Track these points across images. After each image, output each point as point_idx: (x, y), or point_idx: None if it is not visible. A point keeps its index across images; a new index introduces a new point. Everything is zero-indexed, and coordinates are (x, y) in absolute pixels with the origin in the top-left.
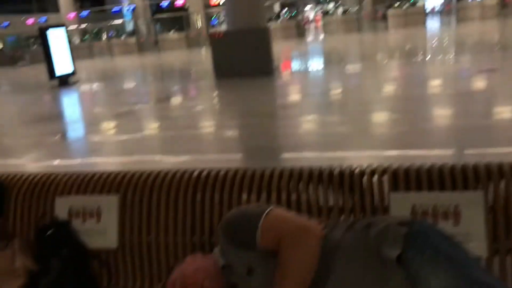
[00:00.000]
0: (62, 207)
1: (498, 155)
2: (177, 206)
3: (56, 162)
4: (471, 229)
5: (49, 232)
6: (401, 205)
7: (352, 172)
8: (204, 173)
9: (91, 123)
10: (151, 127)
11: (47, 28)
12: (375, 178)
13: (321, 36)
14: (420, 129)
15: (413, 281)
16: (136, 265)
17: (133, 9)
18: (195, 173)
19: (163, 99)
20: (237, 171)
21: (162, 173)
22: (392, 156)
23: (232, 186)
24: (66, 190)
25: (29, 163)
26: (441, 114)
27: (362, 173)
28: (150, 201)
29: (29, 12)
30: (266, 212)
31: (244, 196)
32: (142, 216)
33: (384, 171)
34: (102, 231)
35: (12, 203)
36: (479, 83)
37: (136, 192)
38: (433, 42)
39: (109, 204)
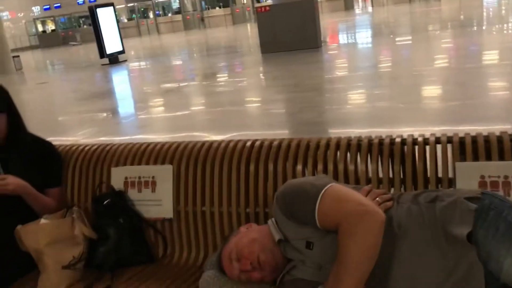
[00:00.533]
0: (117, 177)
1: None
2: (231, 176)
3: (108, 138)
4: None
5: (105, 202)
6: (468, 176)
7: (414, 141)
8: (258, 143)
9: (141, 100)
10: (198, 104)
11: (96, 7)
12: (440, 148)
13: (370, 8)
14: (476, 103)
15: (485, 261)
16: (192, 235)
17: None
18: (248, 144)
19: (210, 75)
20: (291, 141)
21: (215, 143)
22: (448, 131)
23: (286, 156)
24: (121, 161)
25: (83, 139)
26: (498, 87)
27: (425, 142)
28: (204, 172)
29: None
30: (323, 192)
31: (299, 167)
32: (197, 186)
33: (449, 140)
34: (157, 201)
35: (70, 174)
36: None
37: (190, 162)
38: (490, 11)
39: (164, 174)
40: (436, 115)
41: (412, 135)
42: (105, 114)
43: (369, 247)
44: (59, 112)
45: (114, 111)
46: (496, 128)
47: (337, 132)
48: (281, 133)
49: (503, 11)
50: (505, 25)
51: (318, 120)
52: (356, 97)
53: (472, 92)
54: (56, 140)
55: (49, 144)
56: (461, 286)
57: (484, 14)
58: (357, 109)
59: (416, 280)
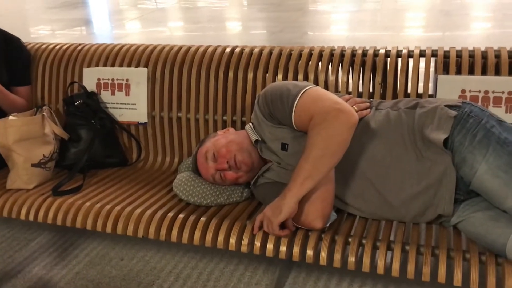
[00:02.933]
0: (90, 78)
1: None
2: (209, 82)
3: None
4: None
5: (77, 102)
6: (449, 89)
7: (398, 53)
8: (238, 50)
9: (115, 12)
10: (177, 19)
11: None
12: (424, 61)
13: None
14: (458, 34)
15: (459, 167)
16: (166, 140)
17: None
18: (228, 50)
19: None
20: (273, 48)
21: (193, 48)
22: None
23: (267, 65)
24: (94, 61)
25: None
26: (483, 17)
27: (409, 55)
28: (181, 76)
29: None
30: (303, 91)
31: (279, 77)
32: (173, 91)
33: (433, 53)
34: (131, 104)
35: (40, 72)
36: None
37: (167, 66)
38: None
39: (139, 77)
40: (418, 42)
41: (397, 47)
42: (77, 25)
43: (334, 143)
44: (27, 20)
45: (87, 22)
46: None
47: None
48: None
49: None
50: None
51: (299, 41)
52: (340, 20)
53: (456, 21)
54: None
55: (16, 39)
56: (432, 189)
57: None
58: (339, 32)
59: (390, 180)
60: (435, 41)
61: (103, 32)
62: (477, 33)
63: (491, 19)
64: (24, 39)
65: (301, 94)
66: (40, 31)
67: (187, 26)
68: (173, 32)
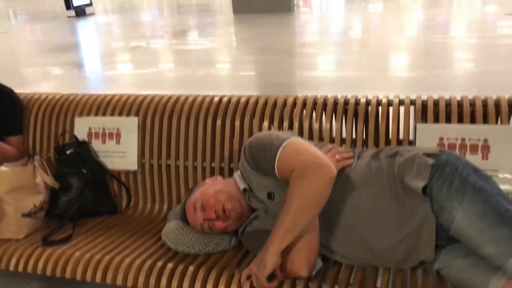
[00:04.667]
0: (81, 127)
1: None
2: (197, 130)
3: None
4: (501, 164)
5: (68, 152)
6: (428, 137)
7: (378, 102)
8: (225, 99)
9: (108, 55)
10: (167, 61)
11: None
12: (403, 109)
13: None
14: (441, 73)
15: (437, 214)
16: (156, 188)
17: None
18: (216, 99)
19: (180, 33)
20: (259, 97)
21: (182, 97)
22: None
23: (253, 113)
24: (85, 111)
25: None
26: (464, 58)
27: (389, 104)
28: (170, 125)
29: None
30: (285, 143)
31: (265, 124)
32: (162, 139)
33: (412, 102)
34: (121, 153)
35: (32, 122)
36: (505, 28)
37: (156, 115)
38: None
39: (129, 126)
40: (402, 82)
41: (377, 96)
42: (69, 68)
43: (313, 197)
44: (20, 63)
45: (79, 65)
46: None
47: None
48: (249, 93)
49: None
50: None
51: (286, 83)
52: (326, 62)
53: (438, 62)
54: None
55: (9, 90)
56: (414, 235)
57: None
58: (325, 74)
59: (373, 227)
60: (419, 81)
61: (95, 74)
62: (459, 72)
63: (472, 59)
64: (16, 82)
65: (283, 147)
66: (33, 74)
67: (178, 68)
68: (164, 75)
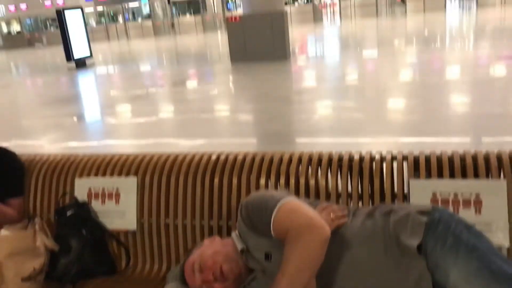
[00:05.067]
0: (81, 188)
1: None
2: (195, 189)
3: (73, 143)
4: (493, 219)
5: (69, 213)
6: (421, 192)
7: (372, 158)
8: (222, 156)
9: (107, 106)
10: (167, 110)
11: (64, 10)
12: (395, 164)
13: (338, 21)
14: (438, 116)
15: (433, 271)
16: (155, 247)
17: None
18: (213, 157)
19: (179, 82)
20: (255, 155)
21: (180, 156)
22: (408, 143)
23: (250, 170)
24: (85, 172)
25: (47, 145)
26: (459, 101)
27: (382, 159)
28: (168, 184)
29: None
30: (280, 204)
31: (262, 181)
32: (161, 198)
33: (404, 158)
34: (121, 213)
35: (33, 184)
36: (499, 70)
37: (155, 174)
38: (453, 27)
39: (128, 186)
40: (398, 128)
41: (370, 152)
42: (70, 119)
43: (309, 259)
44: (22, 116)
45: (80, 117)
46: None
47: (303, 142)
48: (249, 142)
49: (464, 27)
50: (466, 41)
51: (285, 130)
52: (323, 109)
53: (433, 107)
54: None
55: (11, 153)
56: None
57: (447, 30)
58: (323, 121)
59: (370, 287)
60: (414, 125)
61: (96, 126)
62: (455, 115)
63: (467, 102)
64: (16, 134)
65: (278, 208)
66: (33, 126)
67: (177, 117)
68: (164, 124)
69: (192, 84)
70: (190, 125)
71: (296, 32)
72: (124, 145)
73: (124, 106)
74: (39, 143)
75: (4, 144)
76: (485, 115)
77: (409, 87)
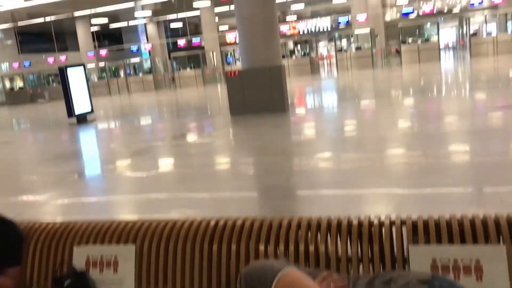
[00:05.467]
0: (80, 256)
1: None
2: (194, 256)
3: (73, 200)
4: (495, 285)
5: (66, 283)
6: (421, 258)
7: (370, 223)
8: (221, 222)
9: (108, 162)
10: (166, 165)
11: (66, 67)
12: (394, 229)
13: (335, 72)
14: (437, 167)
15: None
16: None
17: (150, 48)
18: (212, 223)
19: (179, 136)
20: (254, 220)
21: (178, 223)
22: (409, 194)
23: (249, 236)
24: (84, 239)
25: (48, 201)
26: (458, 151)
27: (381, 225)
28: (167, 251)
29: (50, 51)
30: (279, 276)
31: (261, 247)
32: (159, 266)
33: (403, 222)
34: (119, 281)
35: (31, 252)
36: (497, 120)
37: (153, 242)
38: (448, 77)
39: (126, 254)
40: (398, 180)
41: (369, 217)
42: (70, 176)
43: None
44: (21, 173)
45: (80, 173)
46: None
47: (303, 195)
48: (250, 196)
49: (460, 77)
50: (463, 90)
51: (285, 185)
52: (322, 162)
53: (433, 157)
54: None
55: (9, 222)
56: None
57: (443, 80)
58: (322, 174)
59: None
60: (413, 175)
61: (96, 182)
62: (454, 165)
63: (466, 151)
64: (15, 191)
65: (277, 280)
66: (33, 184)
67: (178, 171)
68: (164, 178)
69: (192, 137)
70: (190, 180)
71: (294, 84)
72: (125, 201)
73: (124, 162)
74: (39, 200)
75: (2, 201)
76: (485, 165)
77: (407, 138)
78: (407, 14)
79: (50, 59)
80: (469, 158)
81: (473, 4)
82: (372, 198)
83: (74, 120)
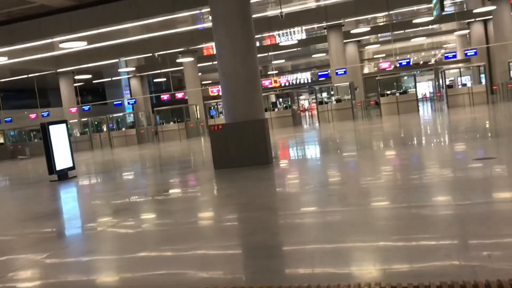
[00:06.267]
0: None
1: (503, 244)
2: None
3: (51, 261)
4: None
5: None
6: None
7: None
8: None
9: (89, 221)
10: (149, 223)
11: (48, 124)
12: None
13: (317, 124)
14: (423, 220)
15: None
16: None
17: (134, 103)
18: None
19: (162, 191)
20: None
21: None
22: (395, 248)
23: None
24: None
25: (25, 263)
26: (441, 204)
27: None
28: None
29: (32, 106)
30: None
31: None
32: None
33: None
34: None
35: None
36: (476, 172)
37: None
38: (427, 129)
39: None
40: (385, 236)
41: (359, 284)
42: (49, 238)
43: None
44: None
45: (59, 234)
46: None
47: (287, 252)
48: (234, 256)
49: (438, 127)
50: (441, 139)
51: (270, 243)
52: (308, 217)
53: (417, 209)
54: None
55: None
56: None
57: (422, 130)
58: (308, 230)
59: None
60: (398, 227)
61: (75, 246)
62: (439, 215)
63: (449, 202)
64: None
65: None
66: (9, 245)
67: (159, 230)
68: (148, 236)
69: (175, 193)
70: (173, 239)
71: (277, 136)
72: (107, 261)
73: (106, 221)
74: (16, 262)
75: None
76: (468, 217)
77: (391, 191)
78: (384, 68)
79: (32, 115)
80: (453, 210)
81: (447, 57)
82: (360, 254)
83: (55, 177)
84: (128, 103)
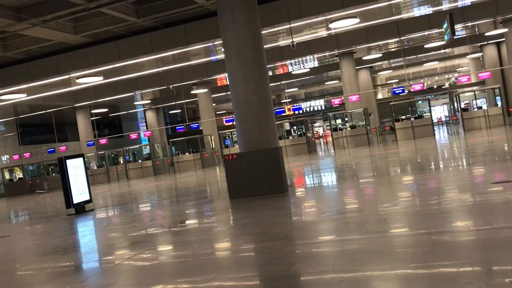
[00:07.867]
0: None
1: None
2: None
3: None
4: None
5: None
6: None
7: None
8: None
9: (106, 254)
10: (166, 255)
11: (65, 158)
12: None
13: (332, 151)
14: (443, 246)
15: None
16: None
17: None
18: None
19: (178, 222)
20: None
21: None
22: (415, 276)
23: None
24: None
25: None
26: (462, 229)
27: None
28: None
29: (50, 141)
30: None
31: None
32: None
33: None
34: None
35: None
36: (496, 195)
37: None
38: (444, 153)
39: None
40: (404, 263)
41: None
42: (67, 272)
43: None
44: (16, 269)
45: (77, 268)
46: (463, 271)
47: (308, 282)
48: (249, 286)
49: (455, 151)
50: (459, 163)
51: (287, 274)
52: (324, 246)
53: (438, 235)
54: None
55: None
56: None
57: (439, 154)
58: (326, 259)
59: None
60: (417, 254)
61: (92, 279)
62: (460, 242)
63: (469, 228)
64: None
65: None
66: (27, 281)
67: (176, 262)
68: (164, 269)
69: (192, 224)
70: (190, 271)
71: (292, 164)
72: None
73: (124, 254)
74: None
75: None
76: (491, 242)
77: (410, 217)
78: (397, 93)
79: (50, 150)
80: (473, 236)
81: (461, 79)
82: (378, 283)
83: (72, 210)
84: (144, 135)
